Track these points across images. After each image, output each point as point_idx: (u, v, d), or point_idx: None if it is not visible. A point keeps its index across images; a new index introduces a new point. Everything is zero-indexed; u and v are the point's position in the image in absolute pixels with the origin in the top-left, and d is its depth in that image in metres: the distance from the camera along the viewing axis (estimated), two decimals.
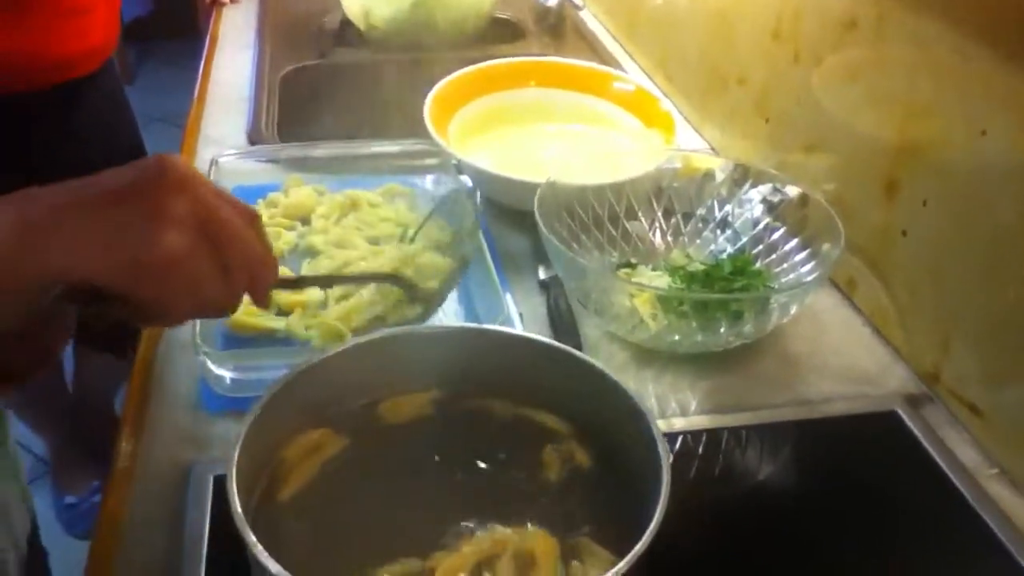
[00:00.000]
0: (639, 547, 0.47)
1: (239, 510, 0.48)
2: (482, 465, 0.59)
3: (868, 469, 0.75)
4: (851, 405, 0.81)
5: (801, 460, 0.78)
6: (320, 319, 0.79)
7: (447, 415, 0.62)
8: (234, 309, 0.51)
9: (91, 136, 1.30)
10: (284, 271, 0.54)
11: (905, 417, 0.78)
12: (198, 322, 0.73)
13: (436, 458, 0.60)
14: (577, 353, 0.60)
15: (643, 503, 0.51)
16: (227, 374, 0.73)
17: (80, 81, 1.27)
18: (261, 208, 0.95)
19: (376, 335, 0.61)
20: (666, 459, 0.52)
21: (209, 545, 0.63)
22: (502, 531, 0.55)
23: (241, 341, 0.80)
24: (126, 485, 0.69)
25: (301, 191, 0.97)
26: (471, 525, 0.55)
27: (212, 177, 0.95)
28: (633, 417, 0.56)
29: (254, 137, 1.16)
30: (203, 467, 0.69)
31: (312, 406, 0.59)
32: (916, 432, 0.77)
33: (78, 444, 1.74)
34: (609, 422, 0.59)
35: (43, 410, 1.67)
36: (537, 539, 0.54)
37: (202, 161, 1.04)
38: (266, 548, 0.46)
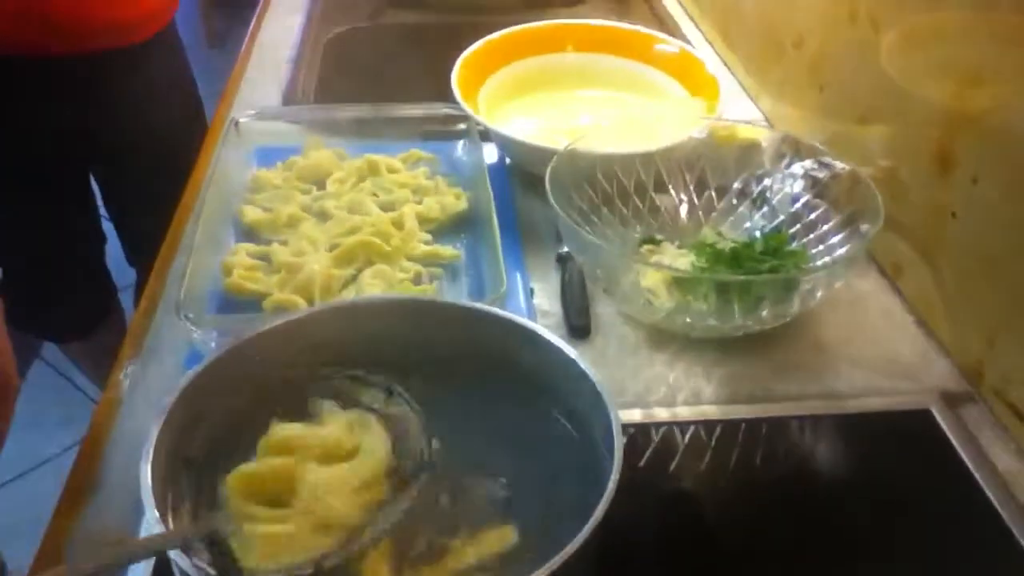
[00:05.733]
0: (569, 548, 0.43)
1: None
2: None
3: (895, 472, 0.68)
4: (883, 401, 0.74)
5: (824, 459, 0.71)
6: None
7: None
8: None
9: (147, 104, 1.30)
10: None
11: (939, 417, 0.71)
12: (185, 285, 0.72)
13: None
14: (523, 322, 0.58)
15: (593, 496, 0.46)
16: (211, 339, 0.71)
17: (135, 47, 1.27)
18: (279, 170, 0.93)
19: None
20: (619, 453, 0.48)
21: None
22: None
23: (237, 305, 0.78)
24: (104, 442, 0.68)
25: (320, 154, 0.95)
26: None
27: (230, 138, 0.93)
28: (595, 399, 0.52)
29: (289, 99, 1.14)
30: None
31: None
32: (949, 434, 0.70)
33: None
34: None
35: (102, 362, 1.71)
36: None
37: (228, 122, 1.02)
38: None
